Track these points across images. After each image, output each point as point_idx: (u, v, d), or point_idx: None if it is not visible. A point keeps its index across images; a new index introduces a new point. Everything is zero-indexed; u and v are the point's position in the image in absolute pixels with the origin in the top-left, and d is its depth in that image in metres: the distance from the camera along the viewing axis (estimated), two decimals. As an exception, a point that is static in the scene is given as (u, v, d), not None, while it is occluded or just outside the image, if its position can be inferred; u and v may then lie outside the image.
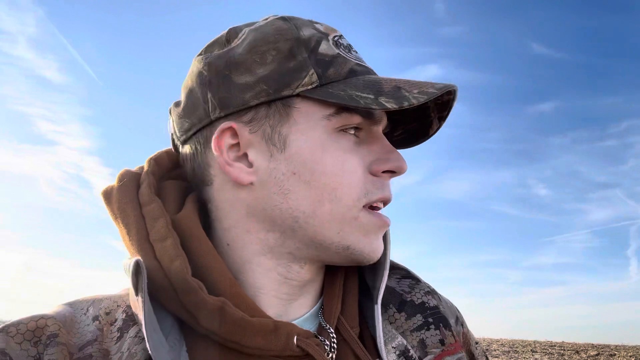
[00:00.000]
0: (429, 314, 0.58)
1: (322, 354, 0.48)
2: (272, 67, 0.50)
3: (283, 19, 0.54)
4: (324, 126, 0.50)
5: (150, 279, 0.48)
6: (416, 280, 0.62)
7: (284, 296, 0.53)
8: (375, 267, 0.57)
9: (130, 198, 0.52)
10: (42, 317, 0.48)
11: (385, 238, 0.58)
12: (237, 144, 0.52)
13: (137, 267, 0.47)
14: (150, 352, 0.44)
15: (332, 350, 0.50)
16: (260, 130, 0.51)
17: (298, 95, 0.50)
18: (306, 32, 0.52)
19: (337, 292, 0.55)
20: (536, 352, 13.43)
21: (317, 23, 0.54)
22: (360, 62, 0.53)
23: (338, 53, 0.52)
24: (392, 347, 0.54)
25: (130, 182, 0.54)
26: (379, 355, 0.52)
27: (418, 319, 0.58)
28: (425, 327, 0.57)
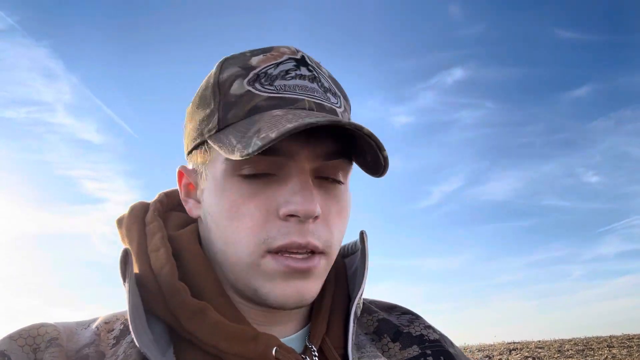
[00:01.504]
0: (427, 346, 0.57)
1: None
2: (200, 115, 0.52)
3: (222, 60, 0.53)
4: (224, 170, 0.50)
5: (143, 286, 0.51)
6: (416, 316, 0.61)
7: (264, 321, 0.53)
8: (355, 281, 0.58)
9: (136, 220, 0.56)
10: (42, 325, 0.49)
11: (363, 244, 0.58)
12: (191, 183, 0.55)
13: (125, 255, 0.50)
14: (134, 339, 0.45)
15: None
16: (197, 171, 0.54)
17: (207, 142, 0.51)
18: (225, 74, 0.51)
19: (322, 313, 0.55)
20: (613, 347, 12.94)
21: (258, 55, 0.52)
22: (274, 94, 0.49)
23: (248, 90, 0.49)
24: None
25: (139, 209, 0.57)
26: None
27: (414, 349, 0.56)
28: (422, 359, 0.56)
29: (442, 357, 0.56)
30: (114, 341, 0.50)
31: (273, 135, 0.43)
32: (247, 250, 0.49)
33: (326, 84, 0.53)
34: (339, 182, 0.53)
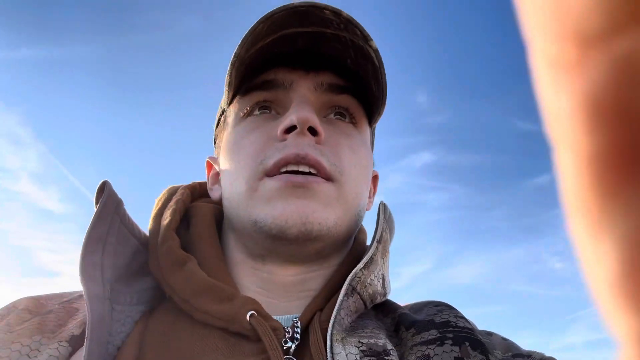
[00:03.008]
0: (451, 331, 0.43)
1: (273, 341, 0.40)
2: (221, 100, 0.53)
3: None
4: (233, 119, 0.51)
5: (149, 244, 0.49)
6: (449, 307, 0.48)
7: (263, 292, 0.47)
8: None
9: (166, 193, 0.55)
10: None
11: (378, 215, 0.51)
12: (217, 172, 0.55)
13: (102, 184, 0.47)
14: (79, 266, 0.42)
15: (295, 340, 0.42)
16: (219, 150, 0.54)
17: (225, 110, 0.53)
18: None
19: (325, 288, 0.47)
20: None
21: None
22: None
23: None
24: (360, 341, 0.41)
25: (175, 188, 0.56)
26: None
27: (431, 333, 0.43)
28: (438, 342, 0.42)
29: (467, 343, 0.42)
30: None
31: (239, 45, 0.45)
32: (245, 178, 0.46)
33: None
34: (352, 123, 0.51)
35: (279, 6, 0.44)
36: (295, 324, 0.43)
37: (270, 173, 0.45)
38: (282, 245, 0.45)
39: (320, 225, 0.44)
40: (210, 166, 0.57)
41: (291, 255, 0.47)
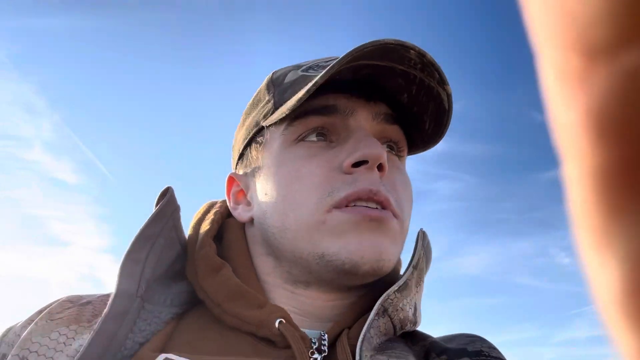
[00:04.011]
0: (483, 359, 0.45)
1: (302, 347, 0.41)
2: (254, 112, 0.53)
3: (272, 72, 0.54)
4: (282, 142, 0.48)
5: (188, 251, 0.50)
6: (481, 339, 0.49)
7: (296, 311, 0.47)
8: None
9: (206, 205, 0.56)
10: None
11: (417, 241, 0.51)
12: (242, 189, 0.54)
13: (165, 190, 0.49)
14: (122, 259, 0.44)
15: (322, 352, 0.43)
16: (250, 169, 0.53)
17: (265, 127, 0.51)
18: (279, 72, 0.52)
19: (355, 307, 0.48)
20: None
21: (314, 62, 0.52)
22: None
23: (302, 75, 0.49)
24: (389, 359, 0.43)
25: (212, 203, 0.57)
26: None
27: None
28: None
29: None
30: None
31: (323, 74, 0.43)
32: (310, 209, 0.45)
33: None
34: (401, 156, 0.51)
35: (371, 41, 0.43)
36: (323, 337, 0.44)
37: (339, 206, 0.44)
38: (347, 279, 0.45)
39: (390, 262, 0.45)
40: (231, 183, 0.55)
41: (343, 285, 0.47)
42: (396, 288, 0.46)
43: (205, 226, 0.51)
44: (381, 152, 0.44)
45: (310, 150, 0.47)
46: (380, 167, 0.45)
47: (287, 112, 0.46)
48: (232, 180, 0.55)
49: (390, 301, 0.45)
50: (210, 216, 0.53)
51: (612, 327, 0.09)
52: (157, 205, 0.48)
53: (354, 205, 0.44)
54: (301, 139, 0.48)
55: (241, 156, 0.55)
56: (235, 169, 0.57)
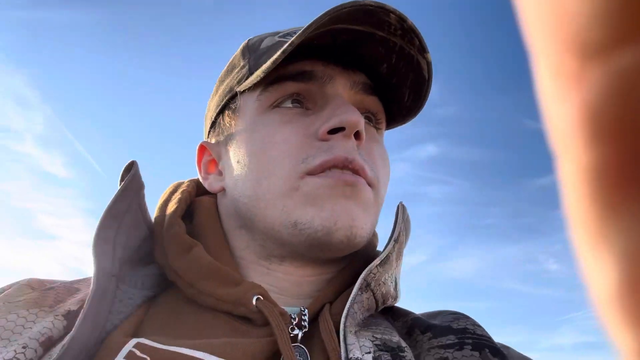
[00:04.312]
0: (469, 337, 0.42)
1: (281, 323, 0.39)
2: (228, 78, 0.51)
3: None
4: (255, 108, 0.47)
5: (154, 232, 0.48)
6: (465, 316, 0.47)
7: (273, 289, 0.45)
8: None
9: (172, 185, 0.54)
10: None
11: (396, 215, 0.49)
12: (214, 159, 0.53)
13: (130, 164, 0.47)
14: (93, 237, 0.42)
15: (303, 327, 0.41)
16: (222, 137, 0.51)
17: (238, 93, 0.49)
18: (255, 38, 0.51)
19: (335, 281, 0.46)
20: None
21: (292, 29, 0.51)
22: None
23: (279, 41, 0.48)
24: (374, 336, 0.41)
25: (175, 185, 0.55)
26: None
27: (449, 338, 0.42)
28: (457, 347, 0.41)
29: (487, 350, 0.41)
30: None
31: (299, 34, 0.42)
32: (283, 176, 0.43)
33: None
34: (379, 128, 0.50)
35: (351, 1, 0.42)
36: (303, 313, 0.42)
37: (313, 172, 0.43)
38: (319, 250, 0.44)
39: (363, 230, 0.43)
40: (202, 152, 0.54)
41: (317, 258, 0.46)
42: (378, 262, 0.44)
43: (172, 206, 0.49)
44: (358, 119, 0.43)
45: (285, 116, 0.46)
46: (357, 135, 0.44)
47: (262, 75, 0.45)
48: (203, 149, 0.53)
49: (373, 275, 0.44)
50: (177, 195, 0.51)
51: (608, 325, 0.09)
52: (121, 180, 0.46)
53: (329, 171, 0.43)
54: (276, 105, 0.46)
55: (213, 124, 0.53)
56: (207, 138, 0.55)
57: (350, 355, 0.37)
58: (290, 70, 0.46)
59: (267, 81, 0.46)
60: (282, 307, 0.42)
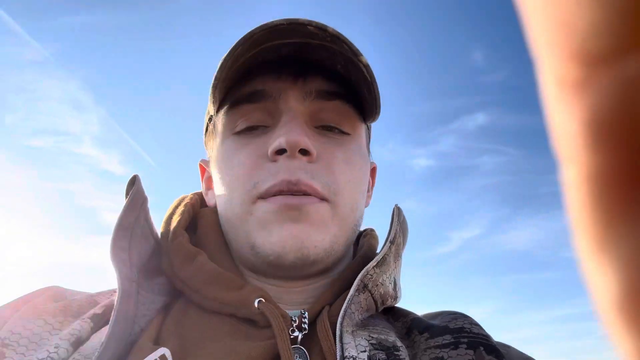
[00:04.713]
0: (465, 336, 0.43)
1: (282, 325, 0.41)
2: (209, 101, 0.51)
3: None
4: (221, 132, 0.49)
5: (162, 245, 0.49)
6: (464, 315, 0.47)
7: (272, 294, 0.46)
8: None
9: (177, 199, 0.55)
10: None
11: (392, 217, 0.51)
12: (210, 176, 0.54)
13: (133, 178, 0.48)
14: (110, 249, 0.43)
15: (303, 329, 0.42)
16: (209, 157, 0.54)
17: (212, 116, 0.52)
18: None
19: (334, 284, 0.47)
20: None
21: None
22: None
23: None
24: (370, 335, 0.42)
25: (179, 199, 0.56)
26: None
27: (445, 338, 0.43)
28: (452, 347, 0.41)
29: (481, 347, 0.41)
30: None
31: (218, 69, 0.44)
32: (239, 201, 0.46)
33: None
34: (346, 133, 0.49)
35: (261, 25, 0.43)
36: (303, 315, 0.44)
37: (264, 196, 0.45)
38: (280, 270, 0.45)
39: (317, 249, 0.44)
40: (203, 169, 0.57)
41: (292, 277, 0.47)
42: (374, 263, 0.46)
43: (176, 218, 0.51)
44: (297, 139, 0.43)
45: (243, 140, 0.47)
46: (305, 152, 0.45)
47: (215, 108, 0.49)
48: (202, 167, 0.57)
49: (370, 276, 0.45)
50: (180, 208, 0.52)
51: (611, 331, 0.09)
52: (127, 194, 0.48)
53: (278, 195, 0.44)
54: (236, 128, 0.48)
55: (205, 144, 0.56)
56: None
57: (346, 354, 0.39)
58: (244, 92, 0.48)
59: (226, 105, 0.49)
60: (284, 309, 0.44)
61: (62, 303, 0.46)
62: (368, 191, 0.56)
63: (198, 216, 0.53)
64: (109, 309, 0.45)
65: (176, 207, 0.54)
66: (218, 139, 0.50)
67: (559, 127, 0.09)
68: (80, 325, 0.42)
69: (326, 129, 0.49)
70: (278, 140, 0.44)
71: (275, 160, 0.45)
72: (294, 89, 0.47)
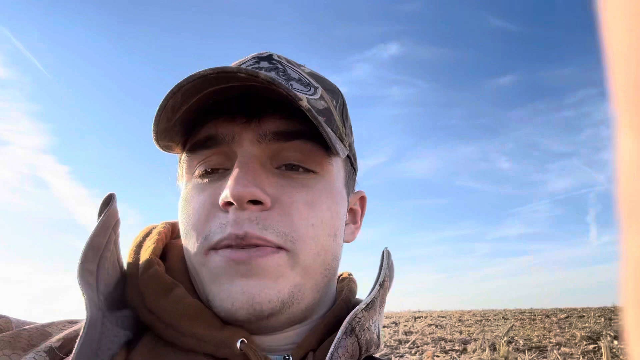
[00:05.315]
0: None
1: None
2: None
3: None
4: (184, 175, 0.49)
5: (128, 275, 0.47)
6: None
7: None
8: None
9: (146, 228, 0.53)
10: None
11: (381, 260, 0.52)
12: None
13: (109, 196, 0.46)
14: (77, 271, 0.41)
15: None
16: (181, 193, 0.51)
17: (180, 157, 0.51)
18: None
19: (317, 327, 0.47)
20: (508, 319, 14.15)
21: None
22: None
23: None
24: None
25: (148, 228, 0.54)
26: None
27: None
28: None
29: None
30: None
31: (154, 119, 0.43)
32: (194, 251, 0.45)
33: (294, 75, 0.49)
34: (311, 171, 0.47)
35: (189, 76, 0.41)
36: (287, 358, 0.44)
37: (215, 248, 0.43)
38: (237, 323, 0.44)
39: (272, 302, 0.42)
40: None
41: (258, 329, 0.45)
42: (364, 306, 0.45)
43: (148, 247, 0.49)
44: (241, 192, 0.41)
45: (199, 186, 0.47)
46: (256, 202, 0.43)
47: (180, 149, 0.49)
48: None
49: (358, 320, 0.45)
50: (153, 236, 0.51)
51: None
52: (100, 213, 0.45)
53: (227, 248, 0.43)
54: (195, 172, 0.48)
55: (178, 178, 0.54)
56: None
57: None
58: (200, 137, 0.47)
59: (186, 148, 0.48)
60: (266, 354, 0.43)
61: (9, 335, 0.42)
62: (356, 223, 0.56)
63: (168, 247, 0.51)
64: (67, 341, 0.42)
65: (146, 235, 0.51)
66: (183, 180, 0.50)
67: (624, 152, 0.10)
68: (33, 359, 0.40)
69: (290, 168, 0.46)
70: (224, 193, 0.42)
71: (226, 210, 0.43)
72: (247, 131, 0.45)
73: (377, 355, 0.51)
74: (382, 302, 0.50)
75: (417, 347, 6.83)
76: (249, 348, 0.41)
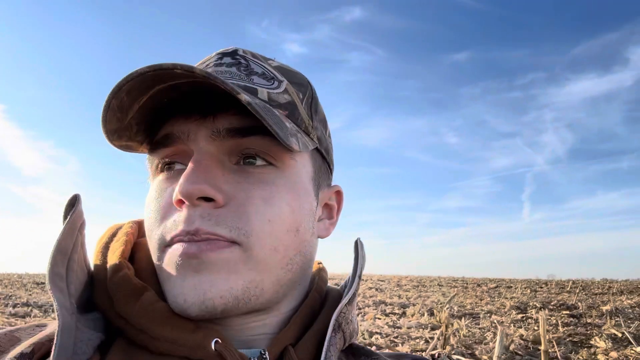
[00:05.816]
0: None
1: None
2: None
3: None
4: (149, 172, 0.50)
5: (95, 278, 0.46)
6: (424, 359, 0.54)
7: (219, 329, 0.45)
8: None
9: (112, 228, 0.53)
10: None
11: (357, 251, 0.52)
12: None
13: (73, 198, 0.46)
14: (47, 277, 0.40)
15: None
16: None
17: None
18: None
19: (294, 322, 0.47)
20: (442, 285, 15.00)
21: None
22: None
23: None
24: None
25: (114, 228, 0.54)
26: None
27: None
28: None
29: None
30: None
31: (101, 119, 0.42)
32: (154, 248, 0.45)
33: (257, 69, 0.48)
34: (270, 165, 0.46)
35: (127, 75, 0.40)
36: (264, 356, 0.44)
37: (169, 244, 0.43)
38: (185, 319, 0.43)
39: (224, 298, 0.42)
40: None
41: (222, 319, 0.45)
42: (347, 301, 0.46)
43: (117, 248, 0.48)
44: (190, 189, 0.41)
45: (160, 184, 0.47)
46: (208, 199, 0.43)
47: (143, 147, 0.49)
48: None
49: (343, 314, 0.46)
50: (120, 237, 0.50)
51: None
52: (65, 215, 0.45)
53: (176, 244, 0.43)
54: (157, 171, 0.48)
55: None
56: None
57: None
58: (160, 136, 0.47)
59: (148, 147, 0.48)
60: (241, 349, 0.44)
61: None
62: (332, 218, 0.55)
63: (136, 248, 0.50)
64: (38, 346, 0.41)
65: (112, 235, 0.51)
66: (150, 176, 0.50)
67: None
68: None
69: (248, 164, 0.46)
70: (175, 191, 0.42)
71: (180, 208, 0.43)
72: (202, 129, 0.45)
73: (357, 343, 0.53)
74: (357, 292, 0.51)
75: (360, 309, 7.15)
76: (224, 347, 0.42)
